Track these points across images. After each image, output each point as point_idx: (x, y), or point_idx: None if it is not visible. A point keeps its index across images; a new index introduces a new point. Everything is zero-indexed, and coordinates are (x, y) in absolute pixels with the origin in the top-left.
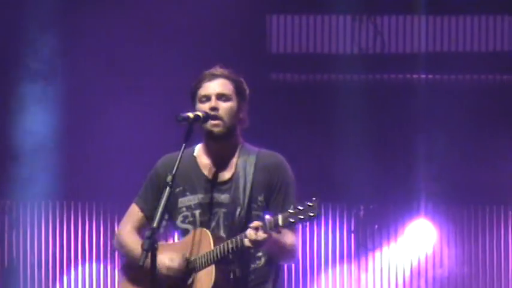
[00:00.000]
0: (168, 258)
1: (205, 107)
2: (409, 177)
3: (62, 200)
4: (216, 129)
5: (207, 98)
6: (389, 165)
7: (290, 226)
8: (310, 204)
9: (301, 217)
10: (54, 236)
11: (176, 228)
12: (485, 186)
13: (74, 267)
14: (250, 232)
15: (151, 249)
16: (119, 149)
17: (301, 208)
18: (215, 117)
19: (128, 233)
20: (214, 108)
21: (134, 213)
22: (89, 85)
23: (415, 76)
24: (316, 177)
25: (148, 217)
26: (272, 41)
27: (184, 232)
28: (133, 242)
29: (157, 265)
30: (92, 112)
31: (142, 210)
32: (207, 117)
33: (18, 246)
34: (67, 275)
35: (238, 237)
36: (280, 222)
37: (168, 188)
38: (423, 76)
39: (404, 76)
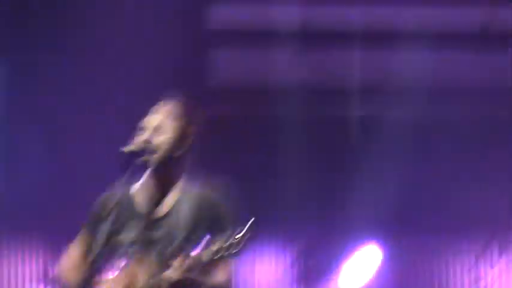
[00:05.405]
0: None
1: (140, 139)
2: (353, 206)
3: None
4: (150, 161)
5: (144, 130)
6: (332, 195)
7: (215, 262)
8: (235, 239)
9: (224, 254)
10: None
11: (114, 264)
12: (429, 214)
13: None
14: (167, 273)
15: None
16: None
17: (225, 244)
18: (149, 150)
19: (69, 267)
20: (148, 141)
21: (76, 247)
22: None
23: (352, 111)
24: (256, 210)
25: (88, 252)
26: (212, 74)
27: (117, 268)
28: (74, 277)
29: None
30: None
31: (83, 245)
32: (143, 150)
33: None
34: None
35: (159, 277)
36: (203, 258)
37: (102, 225)
38: (359, 112)
39: (342, 111)
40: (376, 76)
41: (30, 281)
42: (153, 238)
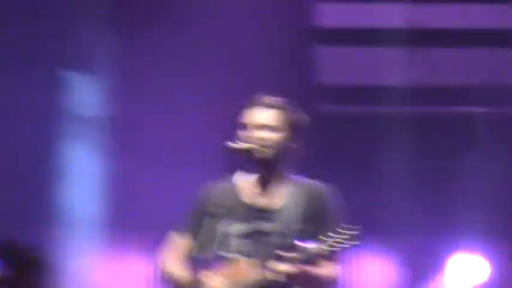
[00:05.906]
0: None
1: (251, 136)
2: (458, 212)
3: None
4: (261, 156)
5: (255, 127)
6: (438, 200)
7: (323, 256)
8: (346, 233)
9: (335, 248)
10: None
11: (217, 256)
12: None
13: None
14: (280, 265)
15: (195, 279)
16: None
17: (336, 239)
18: (262, 146)
19: (173, 261)
20: (261, 139)
21: (178, 241)
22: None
23: (464, 109)
24: (362, 211)
25: (192, 245)
26: (322, 72)
27: (224, 261)
28: (180, 270)
29: None
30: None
31: (186, 238)
32: (254, 148)
33: None
34: None
35: (272, 269)
36: (316, 252)
37: (209, 217)
38: (473, 109)
39: (454, 109)
40: (491, 75)
41: (144, 280)
42: (264, 230)
